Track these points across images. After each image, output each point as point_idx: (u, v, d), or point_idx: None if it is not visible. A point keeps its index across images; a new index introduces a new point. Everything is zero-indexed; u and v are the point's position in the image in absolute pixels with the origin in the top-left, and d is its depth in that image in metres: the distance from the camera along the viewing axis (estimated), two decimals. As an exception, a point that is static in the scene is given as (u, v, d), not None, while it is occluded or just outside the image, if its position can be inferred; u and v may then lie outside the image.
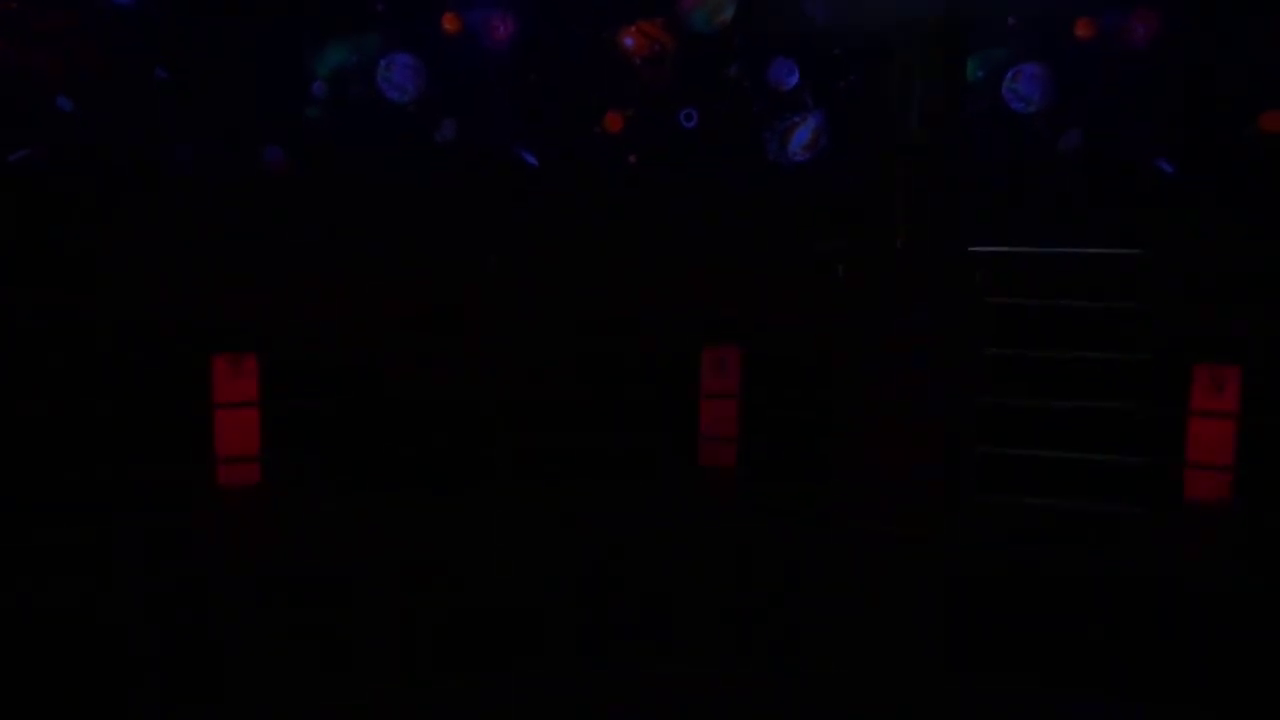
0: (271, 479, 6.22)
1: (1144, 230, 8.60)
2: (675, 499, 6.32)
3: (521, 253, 7.34)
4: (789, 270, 7.50)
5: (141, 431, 5.84)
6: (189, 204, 9.01)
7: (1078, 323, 6.46)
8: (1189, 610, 5.33)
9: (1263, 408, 6.12)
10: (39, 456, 5.83)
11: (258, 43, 9.54)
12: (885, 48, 5.22)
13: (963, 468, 5.44)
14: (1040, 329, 6.25)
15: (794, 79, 10.20)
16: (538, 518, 6.00)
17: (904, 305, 5.17)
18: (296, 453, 6.23)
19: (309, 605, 5.41)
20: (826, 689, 5.26)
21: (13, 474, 5.64)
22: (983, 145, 9.55)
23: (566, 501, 6.22)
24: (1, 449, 5.80)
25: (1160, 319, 6.86)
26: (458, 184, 9.86)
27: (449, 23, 10.09)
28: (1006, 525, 5.70)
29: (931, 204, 5.23)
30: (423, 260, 7.79)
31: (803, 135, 10.23)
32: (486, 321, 6.30)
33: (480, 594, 5.59)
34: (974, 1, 6.29)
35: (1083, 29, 9.83)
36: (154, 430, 5.88)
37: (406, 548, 5.84)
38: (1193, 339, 6.79)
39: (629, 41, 10.24)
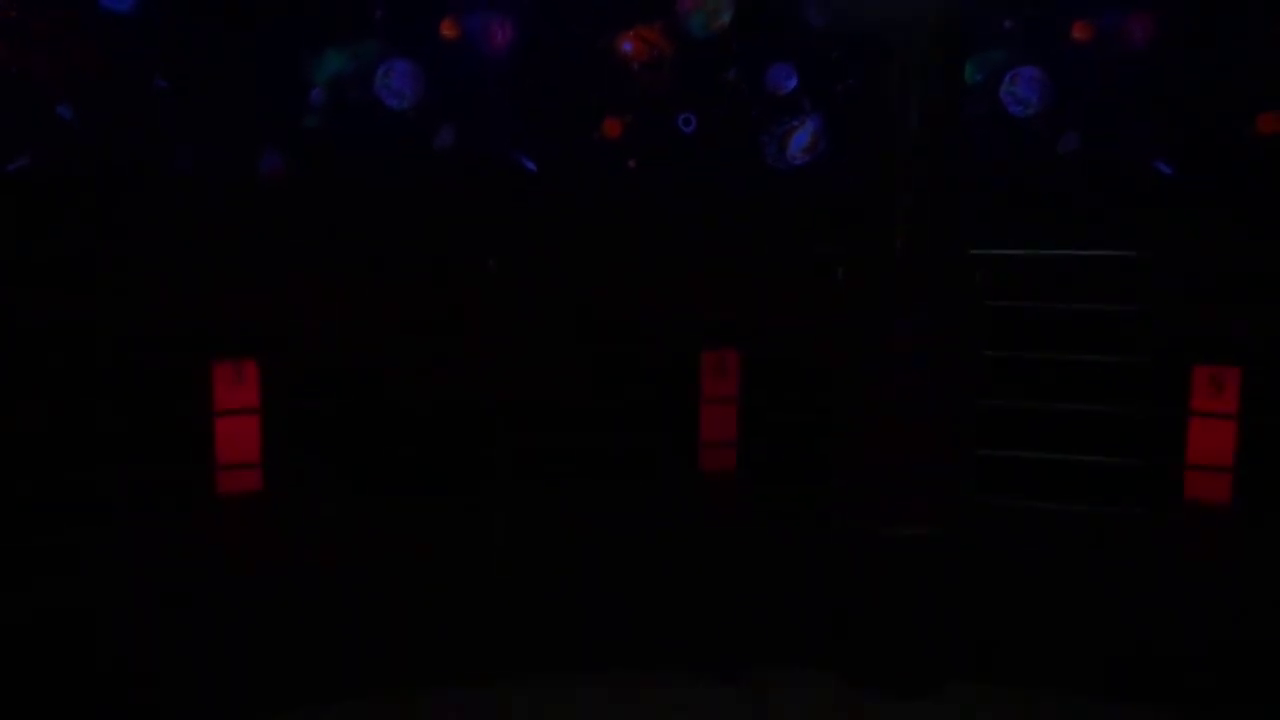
0: (272, 485, 6.22)
1: (1143, 231, 8.61)
2: (675, 501, 6.32)
3: (521, 256, 7.34)
4: (788, 273, 7.51)
5: (142, 437, 5.84)
6: (188, 210, 9.02)
7: (1077, 324, 6.46)
8: (1188, 612, 5.33)
9: (1263, 409, 6.12)
10: (39, 462, 5.83)
11: (256, 50, 9.56)
12: (884, 49, 5.21)
13: (963, 469, 5.43)
14: (1040, 331, 6.25)
15: (792, 82, 10.23)
16: (538, 521, 6.00)
17: (904, 307, 5.16)
18: (297, 457, 6.22)
19: (309, 609, 5.41)
20: (826, 690, 5.26)
21: (13, 480, 5.63)
22: (982, 147, 9.57)
23: (567, 505, 6.21)
24: (2, 455, 5.80)
25: (1160, 320, 6.86)
26: (457, 189, 9.88)
27: (447, 29, 10.11)
28: (1006, 527, 5.70)
29: (931, 206, 5.22)
30: (422, 264, 7.80)
31: (801, 138, 10.25)
32: (486, 325, 6.30)
33: (481, 596, 5.58)
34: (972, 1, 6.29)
35: (1080, 31, 9.85)
36: (154, 436, 5.87)
37: (407, 551, 5.83)
38: (1192, 340, 6.79)
39: (627, 46, 10.26)
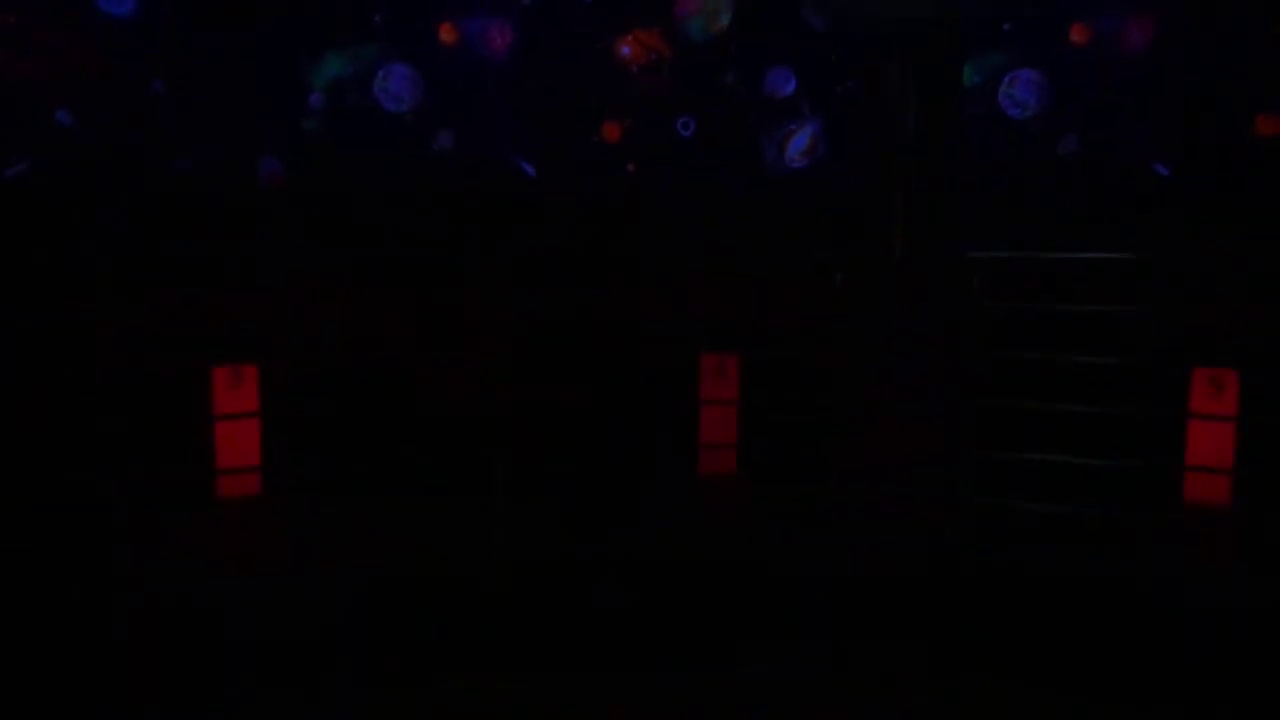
0: (272, 488, 6.23)
1: (1142, 233, 8.62)
2: (675, 503, 6.33)
3: (520, 259, 7.36)
4: (788, 275, 7.52)
5: (142, 441, 5.86)
6: (188, 213, 9.03)
7: (1076, 326, 6.47)
8: (1188, 614, 5.34)
9: (1262, 410, 6.13)
10: (40, 466, 5.84)
11: (255, 54, 9.57)
12: (882, 51, 5.23)
13: (962, 471, 5.45)
14: (1039, 333, 6.26)
15: (791, 86, 10.24)
16: (538, 522, 6.01)
17: (903, 309, 5.18)
18: (297, 461, 6.24)
19: (308, 611, 5.42)
20: (826, 691, 5.27)
21: (12, 486, 5.65)
22: (980, 150, 9.58)
23: (567, 506, 6.23)
24: (2, 457, 5.81)
25: (1159, 322, 6.87)
26: (456, 192, 9.88)
27: (446, 33, 10.12)
28: (1006, 528, 5.71)
29: (929, 208, 5.24)
30: (422, 267, 7.81)
31: (800, 142, 10.26)
32: (485, 328, 6.32)
33: (480, 598, 5.60)
34: (970, 3, 6.31)
35: (1078, 34, 9.87)
36: (154, 440, 5.89)
37: (406, 553, 5.85)
38: (1191, 342, 6.81)
39: (626, 50, 10.27)
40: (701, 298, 7.76)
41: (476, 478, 5.93)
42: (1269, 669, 5.04)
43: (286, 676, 5.17)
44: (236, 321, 7.02)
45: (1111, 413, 6.01)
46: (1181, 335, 7.01)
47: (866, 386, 5.27)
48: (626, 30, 10.26)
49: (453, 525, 6.04)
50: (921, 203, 5.23)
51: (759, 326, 7.13)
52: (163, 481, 5.88)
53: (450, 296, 7.32)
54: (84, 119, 9.26)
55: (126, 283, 7.08)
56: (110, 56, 9.32)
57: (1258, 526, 6.00)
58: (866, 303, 5.30)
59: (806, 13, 10.08)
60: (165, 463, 5.94)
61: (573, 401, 6.97)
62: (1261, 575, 5.58)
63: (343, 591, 5.53)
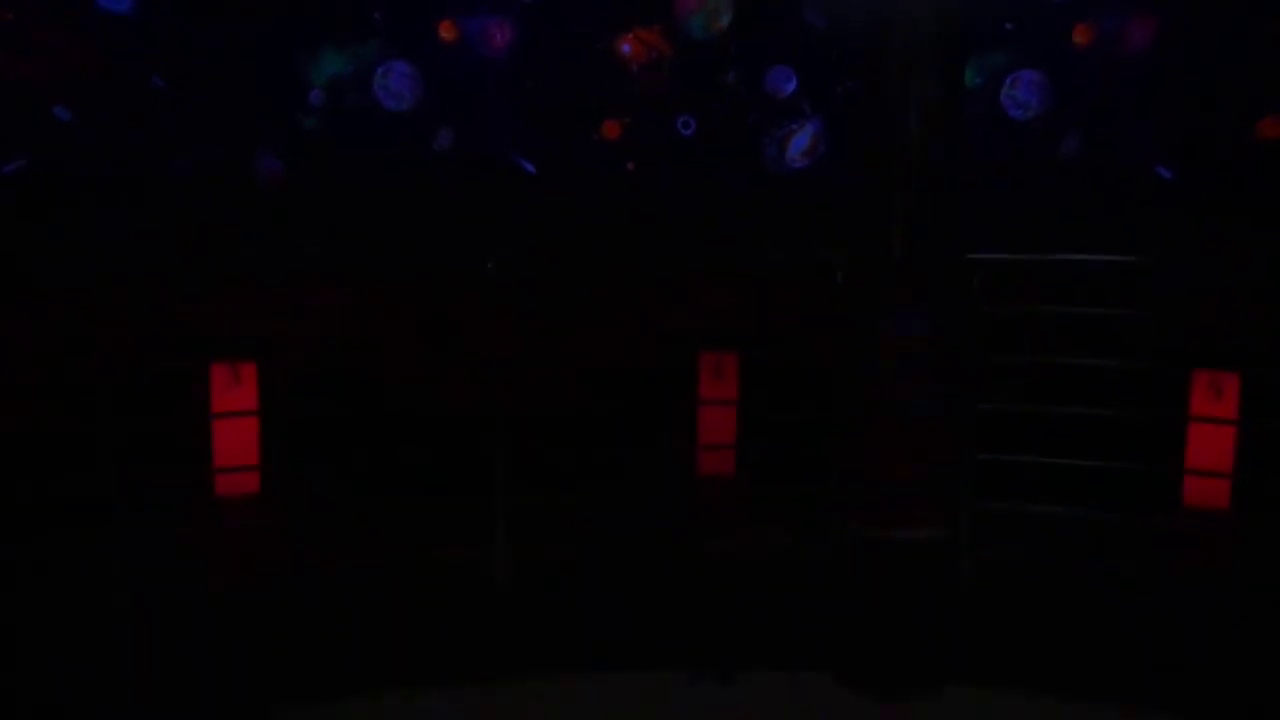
0: (270, 487, 6.24)
1: (1143, 236, 8.64)
2: (674, 504, 6.35)
3: (519, 258, 7.36)
4: (787, 275, 7.54)
5: (140, 439, 5.86)
6: (187, 211, 9.05)
7: (1077, 328, 6.49)
8: (1188, 617, 5.36)
9: (1262, 414, 6.14)
10: (36, 464, 5.85)
11: (255, 51, 9.59)
12: (883, 50, 5.24)
13: (962, 473, 5.46)
14: (1039, 334, 6.28)
15: (791, 85, 10.26)
16: (537, 523, 6.02)
17: (902, 310, 5.19)
18: (295, 460, 6.25)
19: (306, 612, 5.43)
20: (825, 693, 5.29)
21: (9, 483, 5.66)
22: (981, 150, 9.61)
23: (566, 507, 6.24)
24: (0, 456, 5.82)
25: (1159, 324, 6.89)
26: (455, 190, 9.90)
27: (446, 30, 10.14)
28: (1005, 531, 5.72)
29: (930, 209, 5.25)
30: (421, 266, 7.82)
31: (801, 141, 10.28)
32: (485, 328, 6.33)
33: (480, 597, 5.61)
34: (973, 2, 6.32)
35: (1081, 35, 9.89)
36: (152, 438, 5.89)
37: (405, 552, 5.86)
38: (1192, 344, 6.82)
39: (626, 49, 10.29)
40: (701, 297, 7.77)
41: (476, 477, 5.94)
42: (1268, 674, 5.06)
43: (284, 677, 5.18)
44: (235, 318, 7.03)
45: (1111, 415, 6.02)
46: (1182, 338, 7.02)
47: (865, 387, 5.27)
48: (627, 29, 10.28)
49: (452, 525, 6.05)
50: (922, 203, 5.23)
51: (758, 326, 7.15)
52: (161, 479, 5.88)
53: (449, 294, 7.33)
54: (82, 115, 9.28)
55: (124, 279, 7.10)
56: (109, 53, 9.34)
57: (1257, 530, 6.01)
58: (866, 302, 5.30)
59: (807, 12, 10.10)
60: (163, 460, 5.95)
61: (572, 401, 6.99)
62: (1260, 579, 5.60)
63: (342, 591, 5.53)
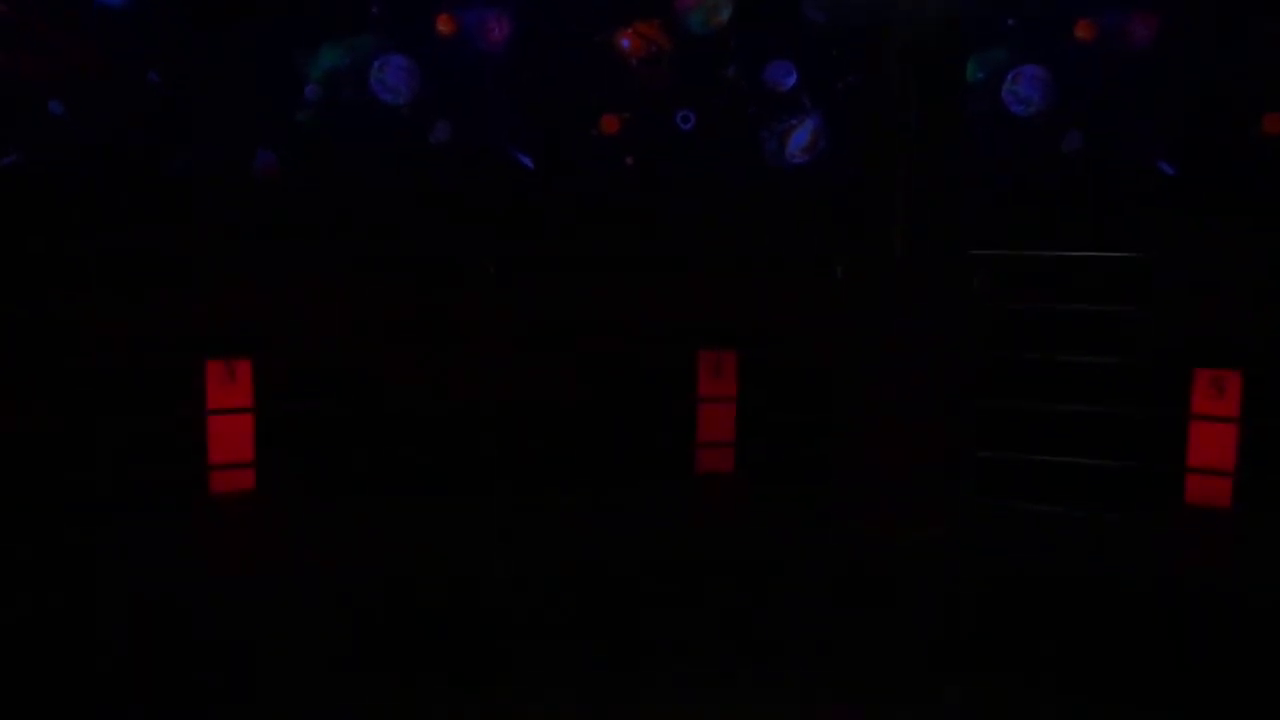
0: (265, 484, 6.25)
1: (1145, 232, 8.65)
2: (673, 503, 6.36)
3: (517, 254, 7.38)
4: (787, 272, 7.54)
5: (134, 436, 5.88)
6: (182, 206, 9.05)
7: (1077, 326, 6.50)
8: (1189, 616, 5.37)
9: (1265, 412, 6.15)
10: (30, 461, 5.86)
11: (251, 45, 9.58)
12: (884, 46, 5.26)
13: (962, 471, 5.48)
14: (1040, 332, 6.29)
15: (792, 80, 10.26)
16: (535, 522, 6.03)
17: (903, 307, 5.21)
18: (292, 457, 6.26)
19: (303, 610, 5.45)
20: (824, 694, 5.30)
21: (4, 481, 5.67)
22: (983, 146, 9.61)
23: (564, 506, 6.25)
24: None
25: (1161, 322, 6.90)
26: (453, 186, 9.90)
27: (444, 24, 10.14)
28: (1006, 529, 5.74)
29: (931, 206, 5.27)
30: (419, 262, 7.83)
31: (801, 137, 10.29)
32: (482, 324, 6.35)
33: (477, 600, 5.62)
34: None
35: (1083, 30, 9.89)
36: (147, 435, 5.91)
37: (402, 553, 5.87)
38: (1194, 342, 6.83)
39: (625, 43, 10.29)
40: (700, 293, 7.78)
41: (473, 476, 5.95)
42: (1270, 671, 5.08)
43: (281, 678, 5.19)
44: (231, 315, 7.04)
45: (1113, 413, 6.04)
46: (1184, 335, 7.03)
47: (866, 385, 5.30)
48: (626, 22, 10.28)
49: (450, 524, 6.06)
50: (923, 200, 5.25)
51: (758, 323, 7.15)
52: (155, 476, 5.89)
53: (447, 292, 7.34)
54: (77, 110, 9.27)
55: (119, 275, 7.11)
56: (104, 47, 9.33)
57: (1259, 529, 6.03)
58: (867, 301, 5.32)
59: (807, 6, 10.11)
60: (158, 458, 5.96)
61: (571, 399, 7.00)
62: (1262, 578, 5.61)
63: (337, 591, 5.55)
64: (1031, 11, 9.86)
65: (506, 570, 5.70)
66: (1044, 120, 9.94)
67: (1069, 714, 5.02)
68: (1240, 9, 9.47)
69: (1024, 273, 6.65)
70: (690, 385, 6.72)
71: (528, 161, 10.17)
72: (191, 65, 9.41)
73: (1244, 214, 8.92)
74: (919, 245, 5.26)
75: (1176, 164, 9.70)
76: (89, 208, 8.74)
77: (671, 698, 5.21)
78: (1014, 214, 8.85)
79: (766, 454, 6.46)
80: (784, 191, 10.16)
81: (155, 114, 9.41)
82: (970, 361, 5.54)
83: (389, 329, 7.37)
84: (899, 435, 5.24)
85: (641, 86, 10.31)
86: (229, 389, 6.30)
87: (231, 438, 6.32)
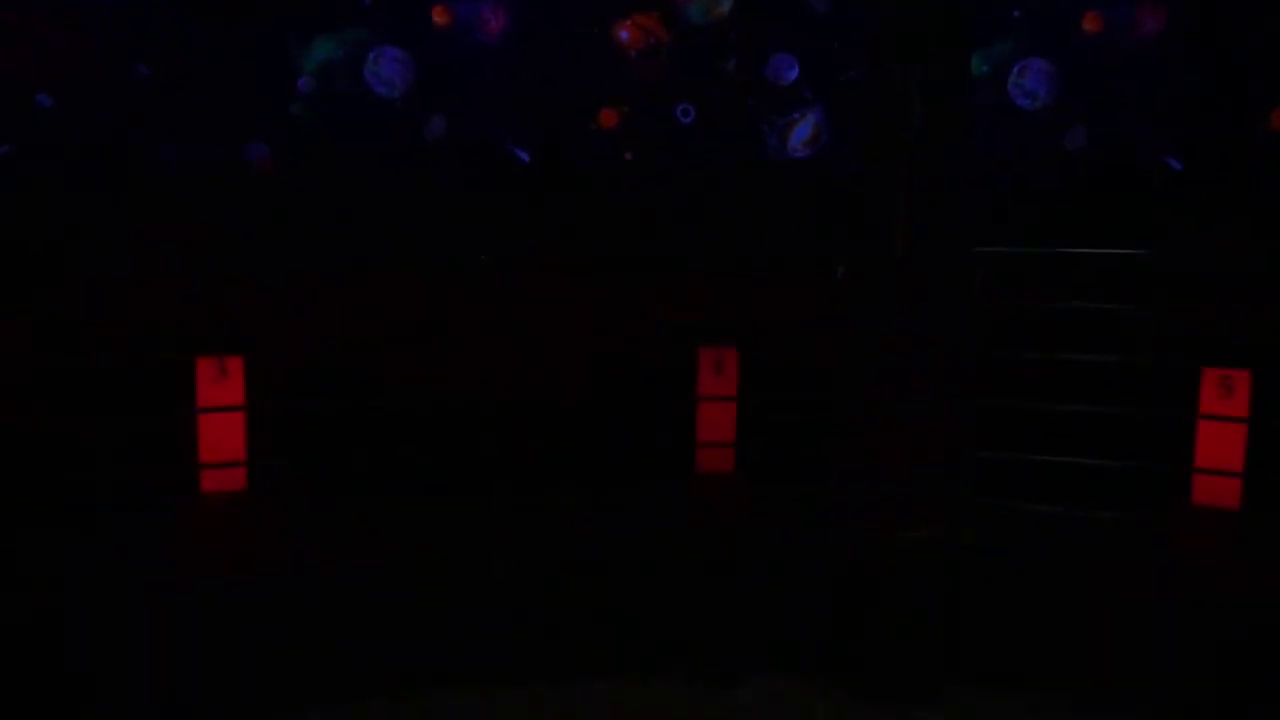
0: (257, 484, 6.26)
1: (1152, 229, 8.66)
2: (673, 503, 6.37)
3: (513, 250, 7.40)
4: (788, 269, 7.55)
5: (124, 434, 5.88)
6: (173, 200, 9.06)
7: (1082, 324, 6.51)
8: (1195, 619, 5.39)
9: (1274, 412, 6.17)
10: (18, 460, 5.87)
11: (243, 37, 9.59)
12: (887, 37, 5.26)
13: (964, 472, 5.49)
14: (1044, 330, 6.30)
15: (793, 73, 10.27)
16: (533, 523, 6.05)
17: (905, 306, 5.22)
18: (284, 456, 6.26)
19: (295, 613, 5.46)
20: (824, 695, 5.32)
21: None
22: (987, 141, 9.63)
23: (562, 506, 6.26)
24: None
25: (1168, 320, 6.91)
26: (448, 180, 9.91)
27: (439, 15, 10.14)
28: (1008, 530, 5.75)
29: (934, 202, 5.28)
30: (414, 258, 7.84)
31: (803, 131, 10.30)
32: (479, 321, 6.35)
33: (474, 598, 5.63)
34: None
35: (1090, 22, 9.91)
36: (137, 433, 5.91)
37: (397, 554, 5.88)
38: (1202, 341, 6.84)
39: (624, 35, 10.30)
40: (699, 290, 7.79)
41: (470, 476, 5.96)
42: (1274, 678, 5.09)
43: (276, 680, 5.21)
44: (222, 311, 7.04)
45: (1118, 413, 6.05)
46: (1192, 333, 7.05)
47: (867, 385, 5.31)
48: (624, 14, 10.29)
49: (446, 524, 6.07)
50: (925, 196, 5.26)
51: (758, 321, 7.17)
52: (145, 476, 5.90)
53: (443, 289, 7.35)
54: (66, 102, 9.28)
55: (106, 269, 7.12)
56: (93, 39, 9.34)
57: (1268, 531, 6.04)
58: (868, 298, 5.33)
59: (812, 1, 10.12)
60: (148, 457, 5.96)
61: (568, 397, 7.01)
62: (1270, 581, 5.62)
63: (331, 592, 5.56)
64: (1037, 3, 9.87)
65: (506, 570, 5.71)
66: (1050, 114, 9.96)
67: (1071, 716, 5.05)
68: (1249, 2, 9.48)
69: (1028, 270, 6.66)
70: (690, 384, 6.72)
71: (524, 155, 10.19)
72: (181, 57, 9.42)
73: (1253, 210, 8.94)
74: (921, 243, 5.26)
75: (1185, 159, 9.71)
76: (74, 201, 8.75)
77: (672, 698, 5.23)
78: (1018, 210, 8.87)
79: (767, 453, 6.48)
80: (785, 186, 10.17)
81: (145, 105, 9.42)
82: (972, 361, 5.55)
83: (383, 325, 7.38)
84: (900, 434, 5.25)
85: (640, 79, 10.32)
86: (220, 387, 6.30)
87: (223, 436, 6.32)
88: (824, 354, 5.93)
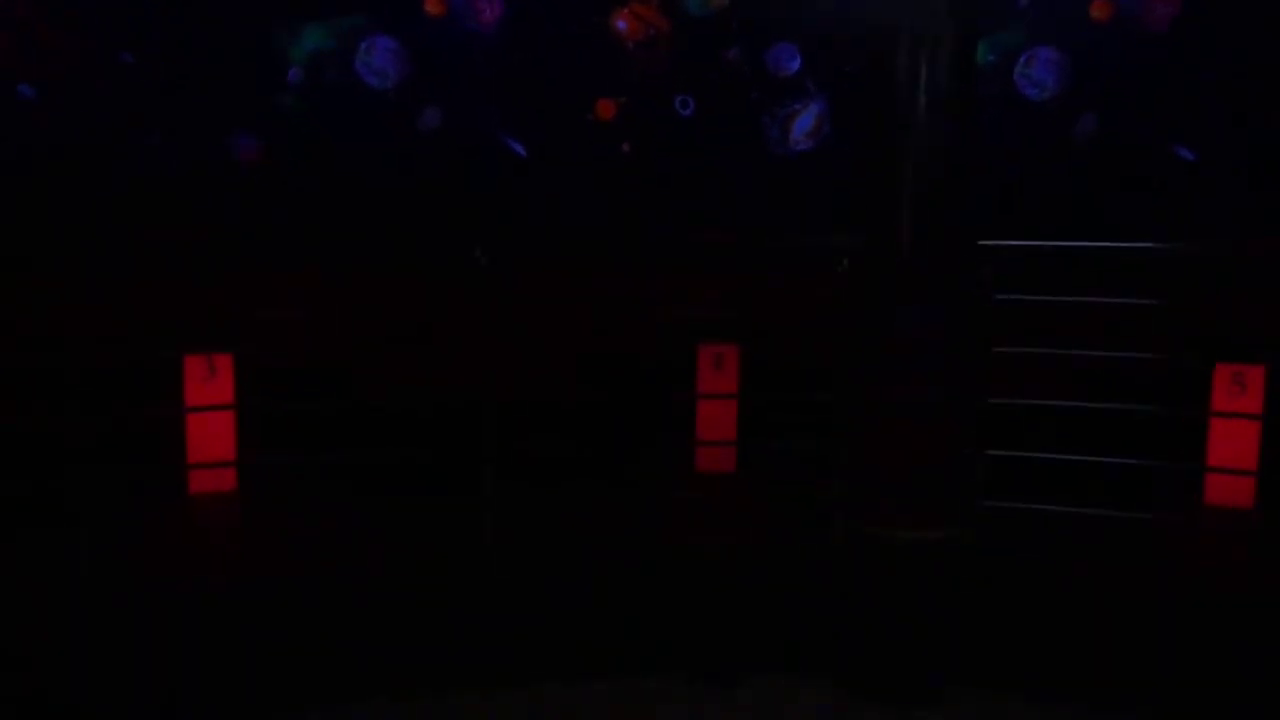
0: (247, 484, 6.26)
1: (1162, 221, 8.66)
2: (673, 503, 6.37)
3: (509, 244, 7.37)
4: (790, 264, 7.54)
5: (109, 433, 5.88)
6: (159, 193, 9.05)
7: (1091, 319, 6.50)
8: (1206, 620, 5.38)
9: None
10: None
11: (231, 27, 9.58)
12: (891, 27, 5.25)
13: (969, 471, 5.48)
14: (1052, 326, 6.30)
15: (796, 63, 10.26)
16: (530, 523, 6.04)
17: (909, 301, 5.21)
18: (274, 456, 6.26)
19: (286, 616, 5.45)
20: (825, 698, 5.32)
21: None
22: (994, 132, 9.61)
23: (560, 506, 6.26)
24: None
25: (1180, 315, 6.90)
26: (442, 175, 9.90)
27: (432, 4, 10.13)
28: (1014, 530, 5.75)
29: (939, 195, 5.27)
30: (407, 253, 7.83)
31: (805, 122, 10.28)
32: (474, 318, 6.33)
33: (471, 600, 5.63)
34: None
35: (1099, 10, 9.89)
36: (122, 432, 5.91)
37: (396, 554, 5.88)
38: (1215, 336, 6.84)
39: (622, 24, 10.29)
40: (700, 285, 7.78)
41: (465, 475, 5.95)
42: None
43: (276, 680, 5.20)
44: (210, 307, 7.04)
45: (1128, 410, 6.04)
46: (1204, 328, 7.04)
47: (869, 383, 5.30)
48: (622, 3, 10.28)
49: (441, 524, 6.07)
50: (930, 189, 5.25)
51: (759, 317, 7.16)
52: (131, 476, 5.89)
53: (436, 283, 7.34)
54: (47, 93, 9.27)
55: (92, 264, 7.11)
56: (75, 26, 9.33)
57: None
58: (871, 294, 5.32)
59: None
60: (134, 456, 5.96)
61: (565, 395, 7.00)
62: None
63: (330, 592, 5.55)
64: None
65: (498, 570, 5.71)
66: (1058, 104, 9.94)
67: (1073, 716, 5.04)
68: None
69: (1036, 264, 6.65)
70: (690, 383, 6.72)
71: (519, 148, 10.17)
72: (168, 46, 9.41)
73: (1267, 200, 8.93)
74: (926, 236, 5.25)
75: (1197, 149, 9.70)
76: (61, 193, 8.74)
77: (672, 698, 5.23)
78: (1025, 202, 8.86)
79: (767, 452, 6.48)
80: (787, 179, 10.17)
81: (130, 96, 9.41)
82: (976, 357, 5.54)
83: (377, 322, 7.37)
84: (903, 433, 5.24)
85: (638, 70, 10.30)
86: (209, 385, 6.29)
87: (211, 436, 6.32)
88: (827, 350, 5.92)
